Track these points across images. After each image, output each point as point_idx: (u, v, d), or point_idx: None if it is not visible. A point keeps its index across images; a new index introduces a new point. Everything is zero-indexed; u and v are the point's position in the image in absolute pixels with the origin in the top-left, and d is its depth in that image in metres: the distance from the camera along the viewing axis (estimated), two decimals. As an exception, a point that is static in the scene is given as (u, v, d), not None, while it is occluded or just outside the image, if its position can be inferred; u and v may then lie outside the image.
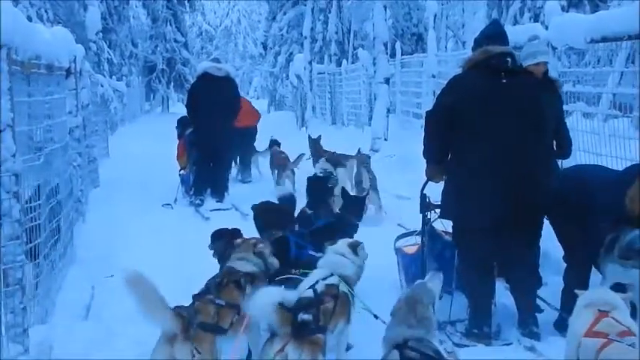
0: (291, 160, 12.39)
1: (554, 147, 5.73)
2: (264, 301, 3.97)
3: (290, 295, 4.19)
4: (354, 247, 5.25)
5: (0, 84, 4.36)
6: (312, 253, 5.90)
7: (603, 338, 3.69)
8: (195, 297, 4.56)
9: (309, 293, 4.59)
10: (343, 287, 4.86)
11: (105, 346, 5.38)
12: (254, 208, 7.05)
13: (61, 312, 5.81)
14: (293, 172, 12.17)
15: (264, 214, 6.88)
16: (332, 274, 4.91)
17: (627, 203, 4.93)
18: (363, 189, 9.89)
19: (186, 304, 4.40)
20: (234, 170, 13.77)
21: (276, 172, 12.40)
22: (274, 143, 13.23)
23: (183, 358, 4.00)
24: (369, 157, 10.62)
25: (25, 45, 4.92)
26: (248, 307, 4.12)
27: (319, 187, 8.66)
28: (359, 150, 11.27)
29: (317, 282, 4.77)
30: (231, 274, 4.92)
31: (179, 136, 12.86)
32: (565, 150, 5.88)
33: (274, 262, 5.32)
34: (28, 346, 4.62)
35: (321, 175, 9.97)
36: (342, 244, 5.32)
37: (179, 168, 12.42)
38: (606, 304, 4.00)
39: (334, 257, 5.16)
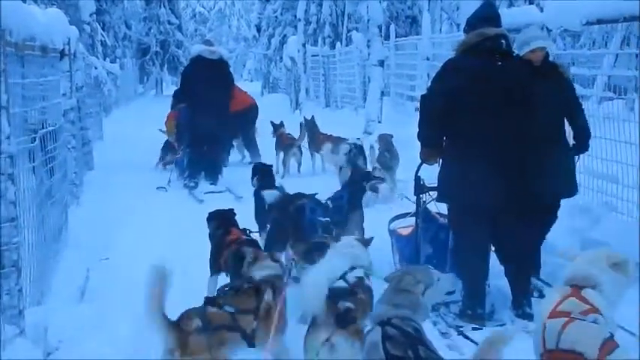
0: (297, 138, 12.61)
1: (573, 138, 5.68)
2: (315, 291, 3.88)
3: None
4: (365, 243, 5.17)
5: (-6, 65, 4.35)
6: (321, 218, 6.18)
7: (565, 317, 3.64)
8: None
9: (341, 284, 4.44)
10: (367, 281, 4.79)
11: (100, 328, 5.40)
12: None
13: (56, 294, 5.82)
14: (300, 151, 12.34)
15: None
16: (355, 267, 4.74)
17: None
18: (390, 168, 9.97)
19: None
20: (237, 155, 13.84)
21: (281, 153, 12.43)
22: (279, 126, 13.22)
23: None
24: (392, 136, 10.67)
25: (20, 26, 4.89)
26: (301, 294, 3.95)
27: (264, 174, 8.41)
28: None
29: (346, 273, 4.58)
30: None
31: (172, 108, 13.14)
32: (581, 141, 5.76)
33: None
34: (24, 327, 4.63)
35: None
36: (352, 239, 5.23)
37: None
38: (585, 279, 3.93)
39: (352, 249, 4.99)
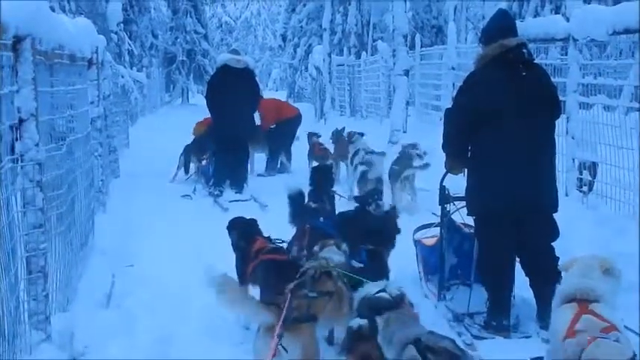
0: (332, 152, 12.61)
1: None
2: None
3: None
4: None
5: (24, 73, 4.41)
6: None
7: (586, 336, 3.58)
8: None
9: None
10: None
11: (125, 334, 5.44)
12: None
13: (82, 300, 5.87)
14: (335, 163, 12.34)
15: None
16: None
17: None
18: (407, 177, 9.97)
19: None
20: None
21: (313, 162, 12.42)
22: (313, 135, 13.26)
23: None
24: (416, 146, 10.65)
25: (49, 35, 4.95)
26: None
27: (323, 176, 8.57)
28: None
29: (385, 287, 4.62)
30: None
31: None
32: None
33: None
34: (50, 333, 4.67)
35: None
36: None
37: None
38: (588, 294, 3.91)
39: None
